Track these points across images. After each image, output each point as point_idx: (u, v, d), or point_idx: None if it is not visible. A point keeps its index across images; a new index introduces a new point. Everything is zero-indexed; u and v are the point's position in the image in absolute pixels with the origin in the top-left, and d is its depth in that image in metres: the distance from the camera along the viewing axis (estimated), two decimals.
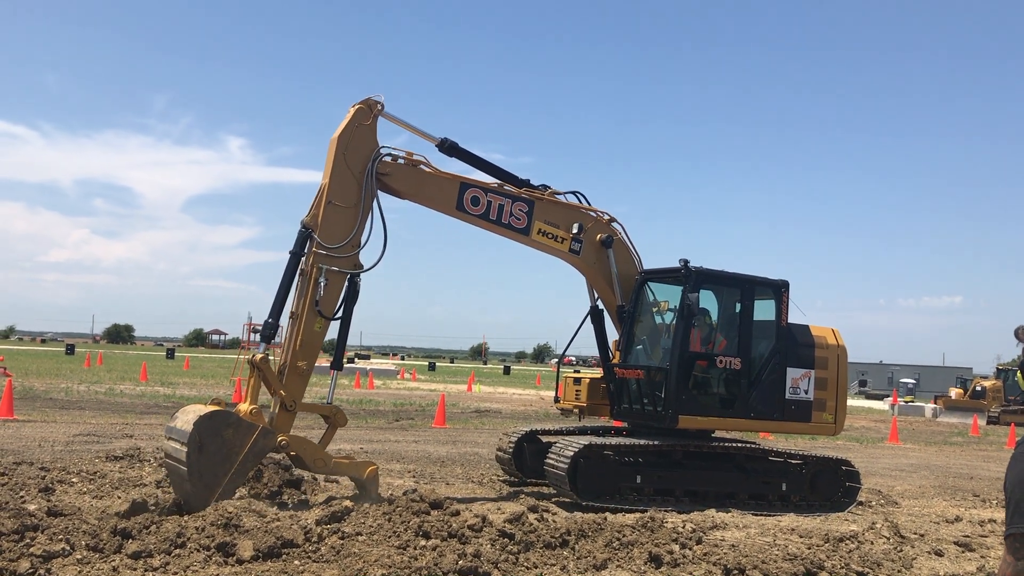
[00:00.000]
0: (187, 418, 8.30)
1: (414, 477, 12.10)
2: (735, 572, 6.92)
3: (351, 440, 16.16)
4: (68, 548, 6.35)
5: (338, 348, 9.93)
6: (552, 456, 10.53)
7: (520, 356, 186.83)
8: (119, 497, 8.95)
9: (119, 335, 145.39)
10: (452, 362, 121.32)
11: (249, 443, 8.38)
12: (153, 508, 7.98)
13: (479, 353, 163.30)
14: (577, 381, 12.18)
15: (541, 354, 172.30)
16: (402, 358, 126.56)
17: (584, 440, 10.47)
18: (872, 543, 8.49)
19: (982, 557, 8.65)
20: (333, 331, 9.68)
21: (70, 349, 64.12)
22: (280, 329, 9.44)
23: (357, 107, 9.68)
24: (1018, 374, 5.36)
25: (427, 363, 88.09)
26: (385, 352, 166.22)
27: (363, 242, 9.59)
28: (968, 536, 9.62)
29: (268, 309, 9.25)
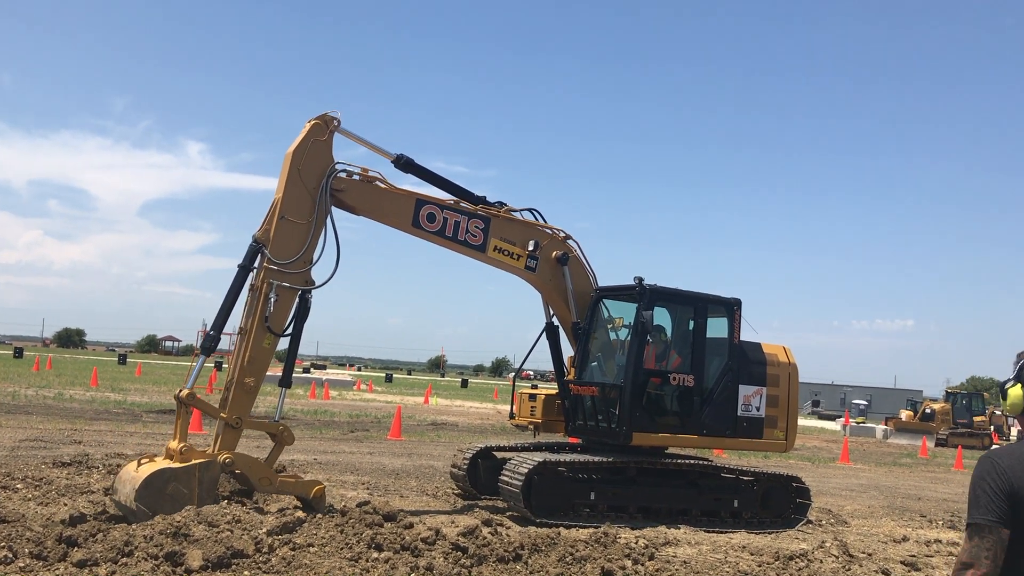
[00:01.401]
0: (126, 491, 8.11)
1: (368, 489, 12.02)
2: None
3: (305, 451, 16.02)
4: (11, 556, 6.23)
5: (287, 365, 9.85)
6: (507, 473, 10.53)
7: (478, 369, 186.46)
8: (65, 504, 8.78)
9: (70, 339, 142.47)
10: (409, 374, 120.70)
11: (195, 484, 8.25)
12: (100, 516, 7.84)
13: (437, 365, 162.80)
14: (532, 397, 12.20)
15: (499, 368, 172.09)
16: (359, 369, 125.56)
17: (538, 457, 10.49)
18: (821, 561, 8.61)
19: None
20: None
21: (18, 352, 62.67)
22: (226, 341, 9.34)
23: (313, 123, 9.64)
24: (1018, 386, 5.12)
25: (384, 374, 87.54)
26: (341, 363, 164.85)
27: (315, 258, 9.52)
28: (915, 556, 9.79)
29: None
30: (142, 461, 8.39)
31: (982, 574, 2.92)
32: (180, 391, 8.63)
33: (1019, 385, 3.23)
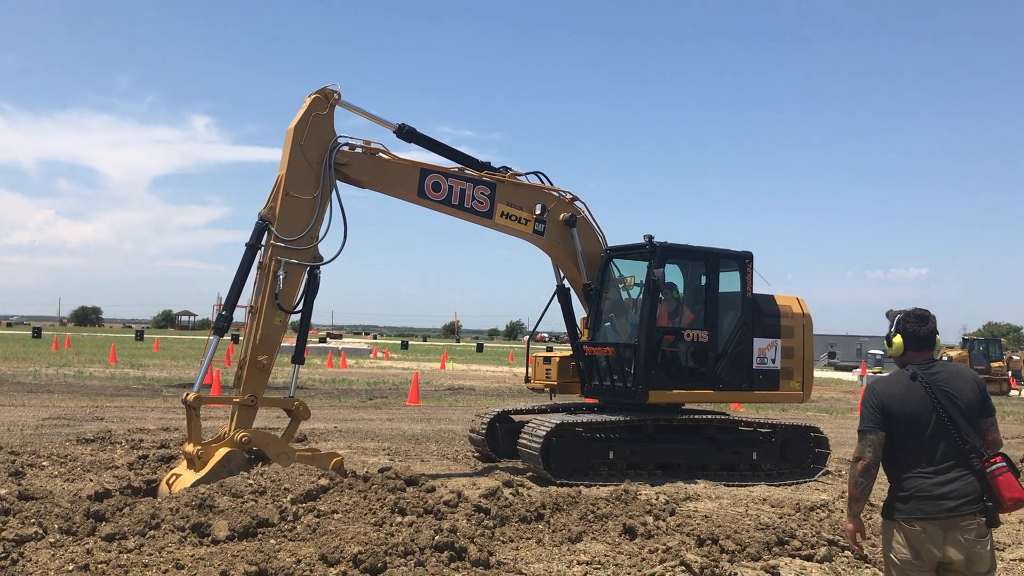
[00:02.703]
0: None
1: (388, 455, 12.13)
2: (708, 542, 7.02)
3: (325, 419, 16.16)
4: (41, 532, 6.31)
5: (299, 342, 9.87)
6: (525, 436, 10.59)
7: (493, 333, 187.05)
8: (91, 480, 8.90)
9: (87, 318, 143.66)
10: (425, 340, 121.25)
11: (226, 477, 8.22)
12: (126, 490, 7.94)
13: (451, 331, 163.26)
14: (547, 360, 12.23)
15: (514, 331, 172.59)
16: (374, 337, 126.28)
17: (556, 419, 10.54)
18: (843, 512, 8.63)
19: None
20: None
21: (37, 332, 63.35)
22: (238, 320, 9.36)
23: (313, 97, 9.55)
24: (885, 343, 6.01)
25: (400, 342, 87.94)
26: (357, 332, 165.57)
27: (322, 234, 9.49)
28: None
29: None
30: (170, 481, 8.43)
31: (867, 463, 4.33)
32: (187, 395, 8.60)
33: (899, 335, 4.51)
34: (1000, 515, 4.22)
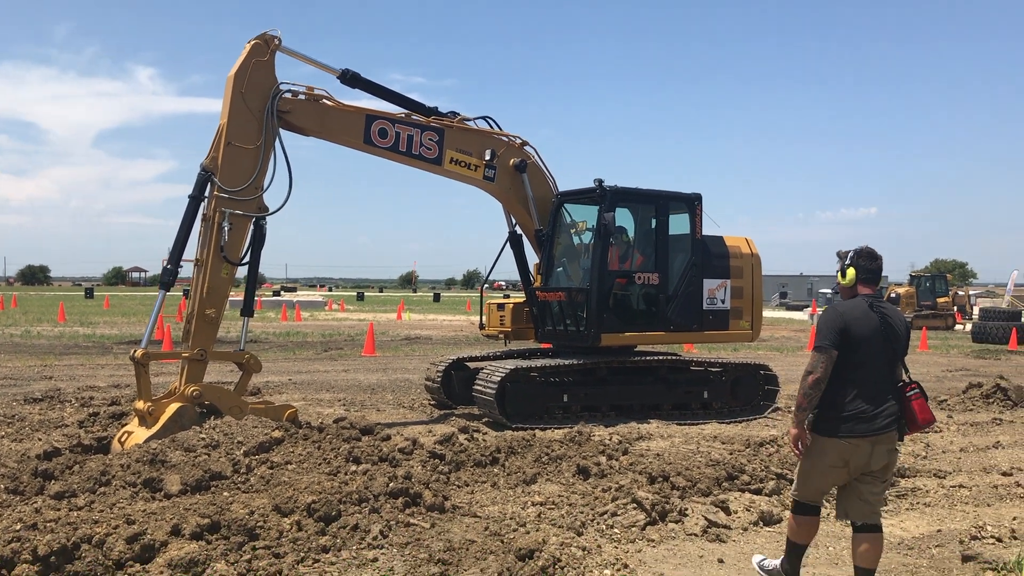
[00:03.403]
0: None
1: (344, 406, 12.12)
2: (659, 479, 7.14)
3: (279, 372, 16.08)
4: None
5: (247, 294, 9.76)
6: (480, 382, 10.65)
7: (450, 283, 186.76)
8: (40, 439, 8.77)
9: (34, 276, 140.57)
10: (381, 291, 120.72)
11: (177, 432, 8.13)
12: (76, 448, 7.85)
13: (409, 281, 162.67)
14: (501, 307, 12.26)
15: (471, 280, 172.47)
16: (330, 289, 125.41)
17: (510, 364, 10.61)
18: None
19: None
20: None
21: None
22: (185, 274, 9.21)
23: (253, 43, 9.30)
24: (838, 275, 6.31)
25: (356, 293, 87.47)
26: (312, 284, 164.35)
27: (267, 184, 9.31)
28: None
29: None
30: (122, 439, 8.33)
31: (818, 377, 4.72)
32: (134, 352, 8.50)
33: (853, 268, 4.94)
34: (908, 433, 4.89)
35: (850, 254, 5.03)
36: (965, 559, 5.66)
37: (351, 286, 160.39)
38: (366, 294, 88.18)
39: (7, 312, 38.58)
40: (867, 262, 4.97)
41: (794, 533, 5.11)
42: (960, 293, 41.87)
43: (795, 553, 5.14)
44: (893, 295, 38.91)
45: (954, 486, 7.81)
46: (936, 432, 10.58)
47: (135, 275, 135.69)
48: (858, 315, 4.80)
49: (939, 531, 6.45)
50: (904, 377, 4.90)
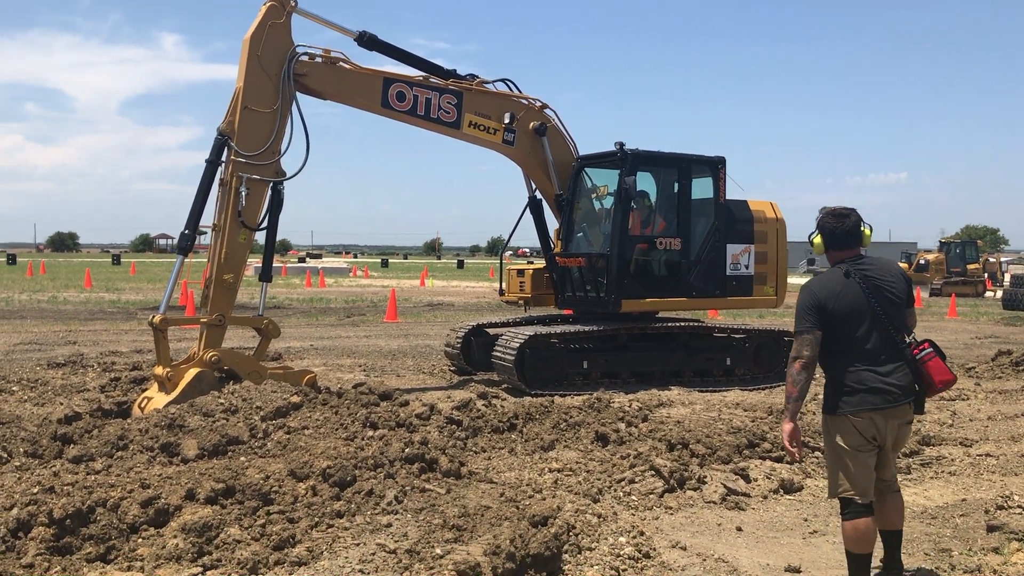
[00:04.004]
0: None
1: (364, 371, 12.12)
2: (679, 446, 7.06)
3: (301, 338, 16.12)
4: (5, 456, 6.27)
5: (265, 259, 9.73)
6: (499, 348, 10.59)
7: (474, 250, 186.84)
8: (61, 404, 8.83)
9: (63, 243, 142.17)
10: (406, 258, 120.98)
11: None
12: (96, 413, 7.88)
13: (433, 248, 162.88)
14: (520, 273, 12.17)
15: (495, 247, 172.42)
16: (354, 256, 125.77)
17: (530, 330, 10.52)
18: (815, 414, 8.70)
19: (918, 421, 8.94)
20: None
21: (11, 259, 62.58)
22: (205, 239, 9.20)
23: (268, 5, 9.18)
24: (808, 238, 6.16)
25: (380, 260, 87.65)
26: (337, 251, 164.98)
27: (284, 148, 9.25)
28: None
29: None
30: (141, 404, 8.36)
31: (804, 361, 4.37)
32: (153, 317, 8.53)
33: (819, 234, 4.53)
34: (927, 399, 4.50)
35: (817, 217, 4.56)
36: (990, 529, 5.49)
37: (376, 253, 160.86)
38: (390, 261, 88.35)
39: (36, 278, 39.01)
40: (833, 223, 4.47)
41: (852, 542, 4.37)
42: (991, 260, 41.29)
43: (860, 566, 4.38)
44: (922, 261, 38.43)
45: (980, 455, 7.67)
46: (963, 400, 10.40)
47: (162, 242, 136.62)
48: (834, 288, 4.38)
49: (964, 500, 6.33)
50: (909, 338, 4.42)
